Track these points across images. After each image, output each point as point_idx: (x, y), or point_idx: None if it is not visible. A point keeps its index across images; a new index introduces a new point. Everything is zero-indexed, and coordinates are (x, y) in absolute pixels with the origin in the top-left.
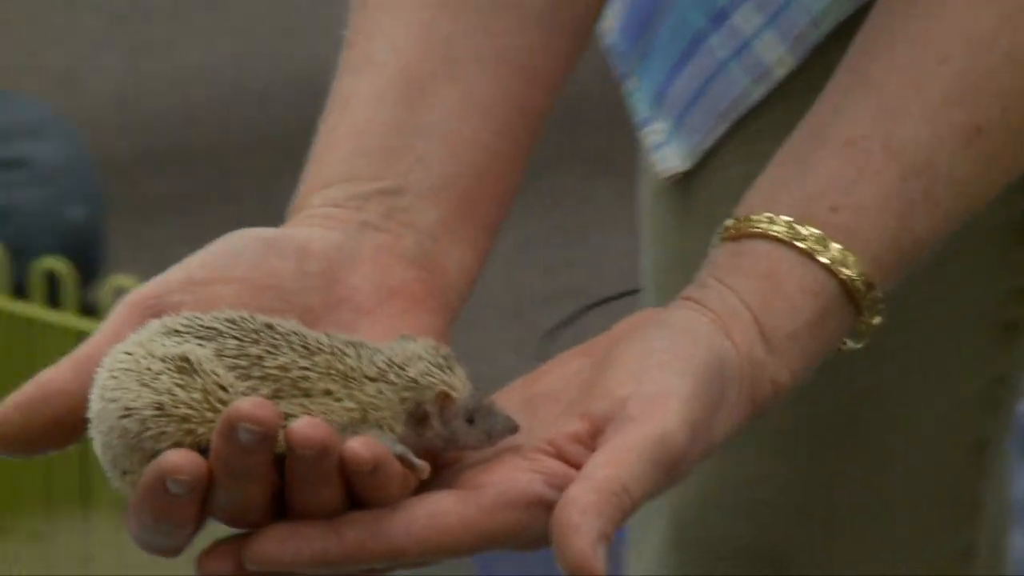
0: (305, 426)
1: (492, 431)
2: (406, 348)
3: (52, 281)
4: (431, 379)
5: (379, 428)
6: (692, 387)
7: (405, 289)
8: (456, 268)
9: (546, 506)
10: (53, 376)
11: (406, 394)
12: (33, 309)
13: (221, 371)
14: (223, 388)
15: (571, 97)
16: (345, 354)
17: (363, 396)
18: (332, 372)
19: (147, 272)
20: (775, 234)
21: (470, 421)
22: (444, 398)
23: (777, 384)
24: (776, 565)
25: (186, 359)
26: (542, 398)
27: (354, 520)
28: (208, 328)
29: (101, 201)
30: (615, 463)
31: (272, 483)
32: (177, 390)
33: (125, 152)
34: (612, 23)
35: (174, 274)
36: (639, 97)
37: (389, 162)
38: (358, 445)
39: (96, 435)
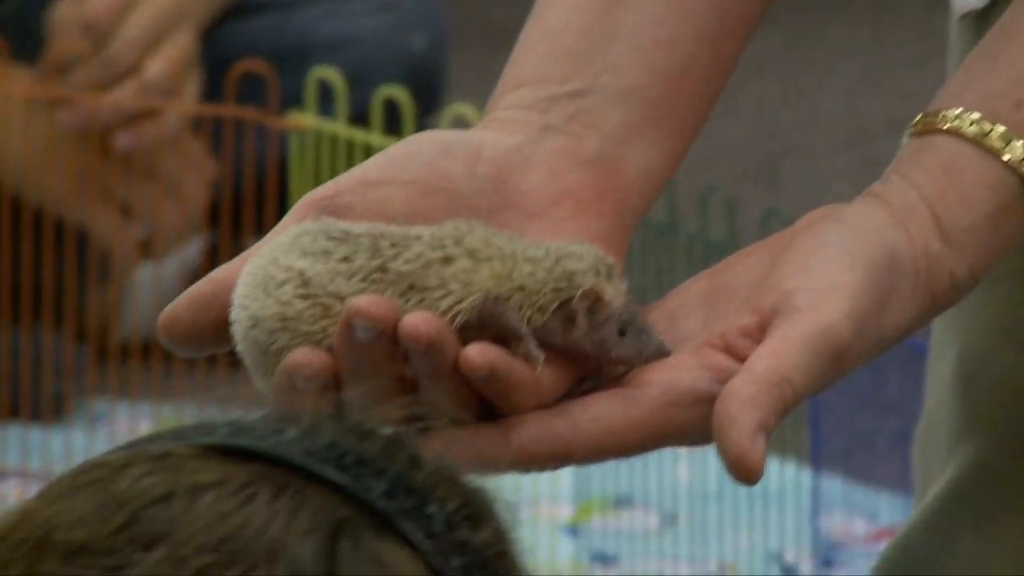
0: (416, 320)
1: (643, 349)
2: (570, 248)
3: (392, 109)
4: (586, 277)
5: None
6: (860, 282)
7: (576, 193)
8: (640, 171)
9: (712, 402)
10: (226, 275)
11: (561, 284)
12: (372, 137)
13: (342, 283)
14: (341, 297)
15: None
16: (498, 241)
17: (516, 273)
18: (483, 249)
19: (486, 103)
20: (960, 130)
21: (622, 333)
22: (595, 299)
23: (955, 277)
24: None
25: (304, 273)
26: (722, 291)
27: (519, 422)
28: (340, 237)
29: (444, 29)
30: (776, 354)
31: (401, 380)
32: (297, 302)
33: None
34: None
35: (351, 175)
36: None
37: (580, 65)
38: (472, 350)
39: (236, 340)
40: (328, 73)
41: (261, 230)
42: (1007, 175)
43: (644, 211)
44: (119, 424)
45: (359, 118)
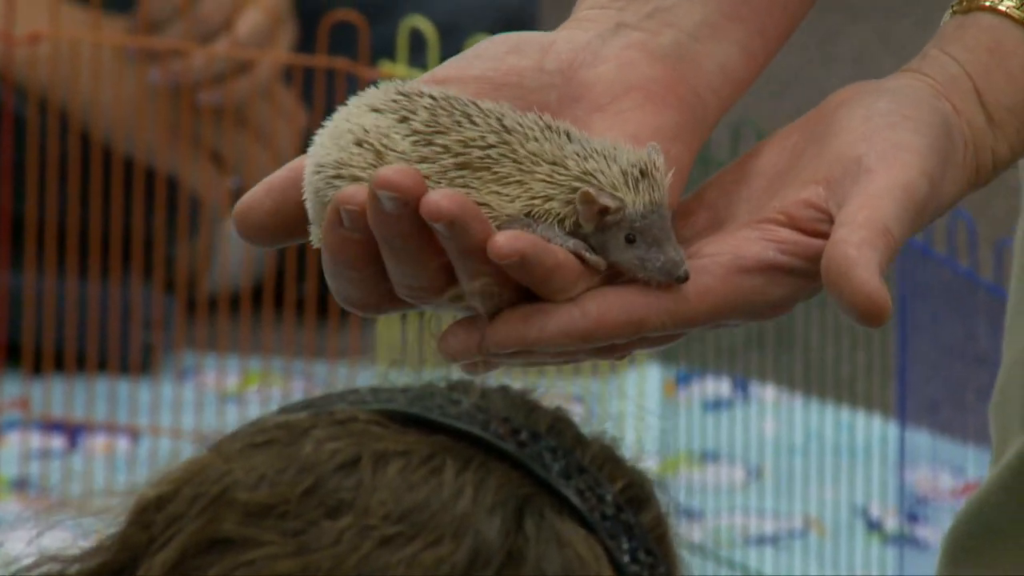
0: (438, 196)
1: (648, 261)
2: (613, 149)
3: None
4: (593, 180)
5: (550, 221)
6: (926, 143)
7: (645, 85)
8: (716, 68)
9: (784, 271)
10: (300, 163)
11: (576, 184)
12: None
13: (397, 137)
14: (394, 151)
15: None
16: (534, 139)
17: (534, 181)
18: (514, 155)
19: None
20: (1004, 9)
21: (630, 241)
22: (588, 200)
23: (997, 155)
24: None
25: (364, 125)
26: (755, 175)
27: (593, 294)
28: (406, 99)
29: None
30: (871, 206)
31: (438, 262)
32: (354, 148)
33: None
34: None
35: (423, 77)
36: None
37: None
38: (501, 236)
39: (304, 192)
40: (420, 22)
41: None
42: None
43: (720, 111)
44: (207, 377)
45: None
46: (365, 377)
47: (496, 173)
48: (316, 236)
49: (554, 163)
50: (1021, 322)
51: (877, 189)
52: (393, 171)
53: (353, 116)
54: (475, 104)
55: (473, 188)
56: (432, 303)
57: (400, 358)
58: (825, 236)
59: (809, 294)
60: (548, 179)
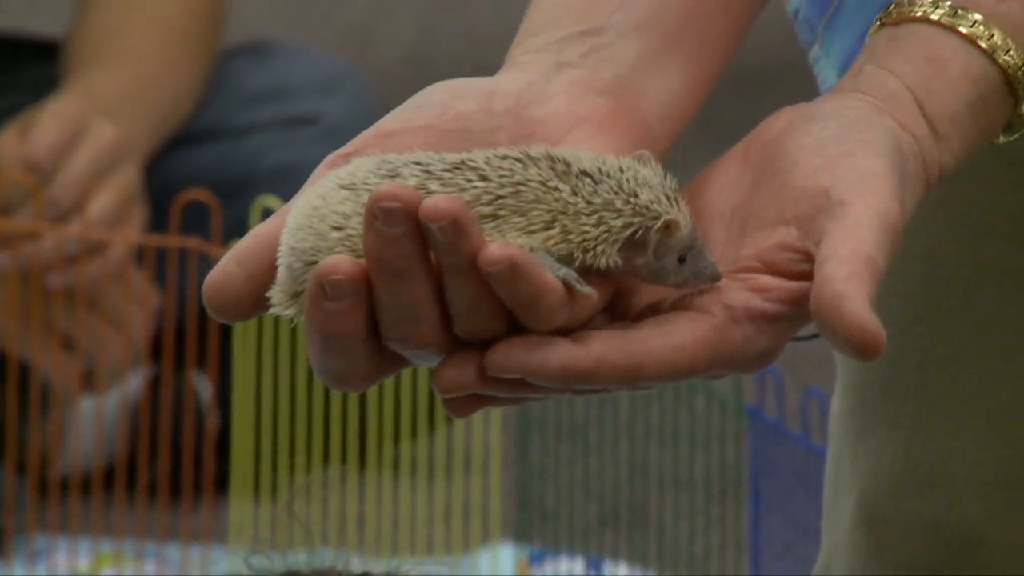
0: (438, 199)
1: (698, 273)
2: (639, 173)
3: None
4: (658, 208)
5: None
6: (888, 164)
7: (594, 117)
8: (660, 97)
9: (770, 318)
10: (265, 228)
11: (634, 220)
12: None
13: None
14: None
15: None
16: (558, 189)
17: (577, 228)
18: (540, 206)
19: None
20: (937, 18)
21: (682, 260)
22: (674, 228)
23: (943, 166)
24: (970, 543)
25: (343, 213)
26: (707, 215)
27: (596, 335)
28: (389, 167)
29: None
30: (852, 238)
31: (433, 292)
32: (333, 234)
33: None
34: None
35: (367, 131)
36: (825, 64)
37: (592, 7)
38: (492, 245)
39: (278, 276)
40: (273, 202)
41: (204, 363)
42: (988, 65)
43: (669, 139)
44: (59, 559)
45: None
46: (218, 558)
47: (516, 222)
48: (280, 302)
49: (595, 212)
50: (839, 508)
51: (855, 220)
52: (392, 186)
53: (329, 196)
54: (462, 163)
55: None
56: (426, 349)
57: (254, 540)
58: (806, 277)
59: (789, 338)
60: (597, 226)
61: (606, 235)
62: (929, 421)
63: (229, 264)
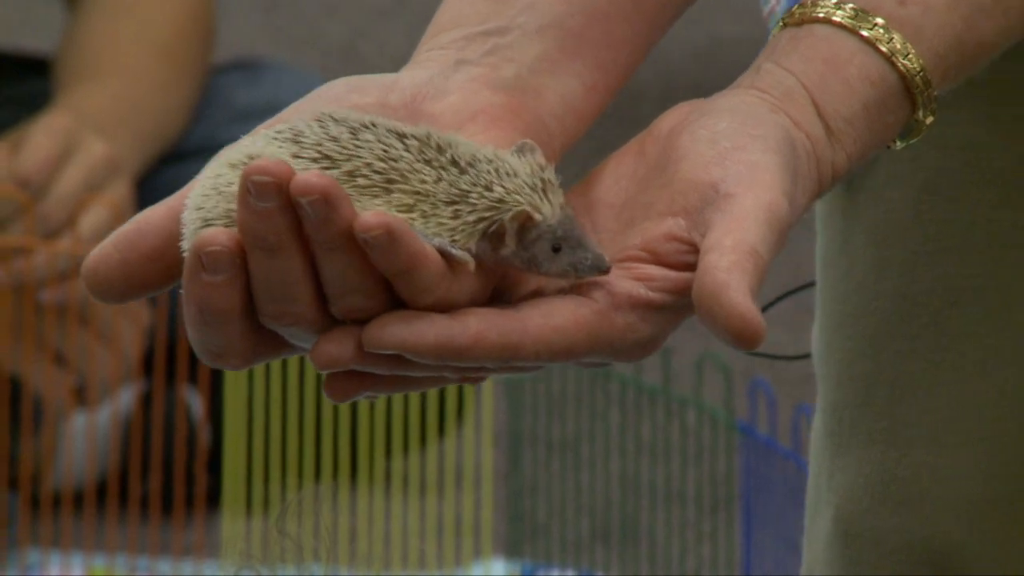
0: (308, 175)
1: (578, 264)
2: (507, 163)
3: None
4: (517, 197)
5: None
6: (778, 160)
7: (489, 111)
8: (558, 98)
9: (655, 308)
10: (149, 214)
11: (486, 214)
12: None
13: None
14: None
15: None
16: (423, 174)
17: (440, 214)
18: (411, 189)
19: None
20: (839, 20)
21: (556, 249)
22: (525, 218)
23: (836, 166)
24: (944, 560)
25: (253, 157)
26: (599, 206)
27: (474, 312)
28: (293, 132)
29: None
30: (737, 229)
31: (308, 269)
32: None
33: None
34: None
35: (264, 123)
36: None
37: (499, 8)
38: (367, 213)
39: (185, 244)
40: None
41: (195, 378)
42: (887, 69)
43: (565, 140)
44: (51, 574)
45: None
46: (210, 573)
47: (378, 205)
48: None
49: (454, 203)
50: (818, 525)
51: (741, 212)
52: (263, 160)
53: (230, 159)
54: (363, 126)
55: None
56: (302, 328)
57: (244, 555)
58: (692, 268)
59: (674, 328)
60: (454, 217)
61: (463, 227)
62: (903, 439)
63: (107, 247)
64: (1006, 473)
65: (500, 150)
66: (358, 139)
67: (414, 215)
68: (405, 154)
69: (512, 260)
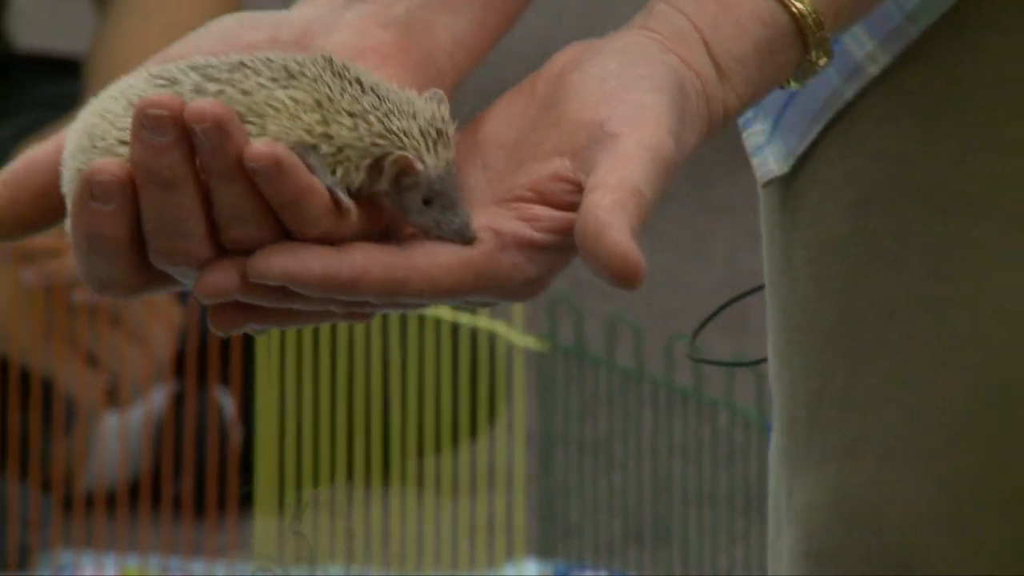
0: (201, 102)
1: (443, 224)
2: (410, 104)
3: None
4: (401, 141)
5: (332, 165)
6: (666, 99)
7: (379, 48)
8: (449, 36)
9: (540, 248)
10: (38, 151)
11: (379, 141)
12: None
13: None
14: None
15: None
16: (328, 85)
17: (335, 128)
18: (309, 100)
19: None
20: None
21: (427, 202)
22: (406, 164)
23: (727, 106)
24: (902, 573)
25: (131, 102)
26: (489, 145)
27: (360, 246)
28: (167, 80)
29: None
30: (621, 168)
31: (200, 205)
32: (121, 148)
33: None
34: None
35: (152, 58)
36: None
37: None
38: (258, 142)
39: (67, 197)
40: None
41: (227, 379)
42: (779, 10)
43: (456, 77)
44: (84, 575)
45: None
46: (243, 574)
47: (278, 117)
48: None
49: (354, 115)
50: (780, 544)
51: (625, 152)
52: (157, 95)
53: (108, 112)
54: (241, 64)
55: (262, 130)
56: (190, 266)
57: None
58: (577, 208)
59: (562, 268)
60: (352, 129)
61: (358, 142)
62: (855, 454)
63: None
64: (957, 484)
65: (408, 91)
66: (258, 67)
67: (317, 115)
68: (310, 66)
69: (384, 199)
